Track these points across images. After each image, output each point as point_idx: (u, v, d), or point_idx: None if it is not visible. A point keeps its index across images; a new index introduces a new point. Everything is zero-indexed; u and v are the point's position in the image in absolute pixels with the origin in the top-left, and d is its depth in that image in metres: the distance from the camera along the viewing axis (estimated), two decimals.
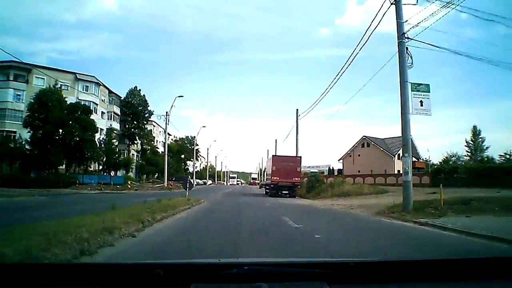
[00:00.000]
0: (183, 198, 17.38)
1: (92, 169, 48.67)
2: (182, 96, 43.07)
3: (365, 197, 23.25)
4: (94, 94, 54.49)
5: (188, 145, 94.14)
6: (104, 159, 47.40)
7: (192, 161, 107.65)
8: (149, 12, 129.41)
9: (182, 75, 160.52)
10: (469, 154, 66.25)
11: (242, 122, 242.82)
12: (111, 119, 60.01)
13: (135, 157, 68.51)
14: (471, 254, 5.39)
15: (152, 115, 64.51)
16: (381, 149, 60.54)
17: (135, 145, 66.60)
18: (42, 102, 39.95)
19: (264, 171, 58.62)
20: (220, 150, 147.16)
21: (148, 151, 67.76)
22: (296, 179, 29.26)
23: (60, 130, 38.98)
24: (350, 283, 1.66)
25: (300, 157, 30.09)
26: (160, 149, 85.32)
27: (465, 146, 64.86)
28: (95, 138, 42.55)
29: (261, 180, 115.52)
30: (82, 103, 53.17)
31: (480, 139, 64.82)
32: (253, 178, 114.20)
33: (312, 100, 45.04)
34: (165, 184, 41.91)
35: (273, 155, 30.92)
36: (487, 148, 62.93)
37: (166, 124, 42.80)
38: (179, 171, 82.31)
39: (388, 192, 24.76)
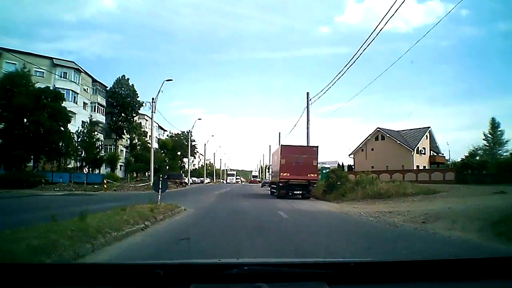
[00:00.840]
0: (150, 206, 10.96)
1: (71, 166, 42.35)
2: (171, 80, 36.53)
3: (413, 200, 16.75)
4: (73, 82, 47.95)
5: (184, 141, 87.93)
6: (83, 155, 40.91)
7: (194, 156, 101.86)
8: (148, 11, 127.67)
9: (182, 74, 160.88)
10: (487, 147, 60.20)
11: (242, 121, 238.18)
12: (95, 110, 53.49)
13: (124, 153, 62.17)
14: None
15: (142, 107, 58.23)
16: (398, 142, 54.04)
17: (123, 140, 60.17)
18: (6, 88, 33.63)
19: (267, 168, 51.93)
20: (219, 147, 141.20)
21: (138, 147, 61.32)
22: (312, 175, 22.86)
23: (25, 120, 32.53)
24: (350, 283, 1.63)
25: (317, 147, 23.57)
26: (153, 144, 79.05)
27: (484, 140, 58.67)
28: (67, 129, 36.09)
29: (262, 178, 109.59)
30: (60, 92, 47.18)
31: (499, 132, 58.87)
32: (253, 176, 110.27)
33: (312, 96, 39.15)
34: (151, 183, 35.43)
35: (282, 145, 24.28)
36: (506, 141, 56.71)
37: (152, 112, 36.32)
38: (174, 169, 75.90)
39: (440, 192, 18.33)
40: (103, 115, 55.45)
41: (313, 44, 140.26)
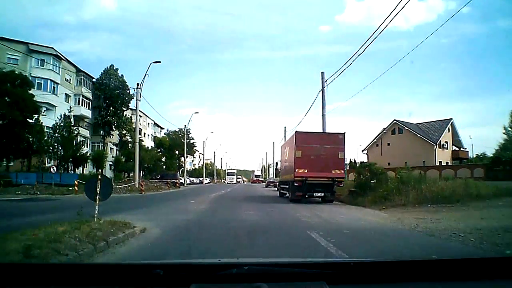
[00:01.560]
0: (77, 224, 5.40)
1: (50, 164, 36.81)
2: (159, 62, 30.75)
3: (498, 206, 11.04)
4: (52, 70, 42.36)
5: (182, 139, 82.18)
6: (61, 153, 35.32)
7: (187, 157, 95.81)
8: (148, 12, 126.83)
9: (183, 74, 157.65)
10: (507, 141, 54.40)
11: (244, 121, 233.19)
12: (79, 103, 47.87)
13: (115, 151, 56.61)
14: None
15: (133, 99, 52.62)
16: (418, 135, 48.28)
17: (112, 137, 54.65)
18: None
19: (275, 165, 45.93)
20: (219, 145, 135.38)
21: (129, 144, 55.86)
22: (337, 171, 17.13)
23: None
24: (350, 283, 1.62)
25: (343, 134, 17.77)
26: (148, 143, 73.35)
27: (503, 133, 52.79)
28: (39, 121, 30.59)
29: (265, 178, 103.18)
30: (37, 81, 41.67)
31: None
32: (256, 176, 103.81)
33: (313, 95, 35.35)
34: (137, 184, 29.84)
35: (297, 132, 18.35)
36: None
37: (137, 100, 30.66)
38: (172, 169, 70.23)
39: None
40: (89, 108, 49.82)
41: (314, 43, 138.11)
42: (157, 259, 4.85)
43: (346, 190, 19.09)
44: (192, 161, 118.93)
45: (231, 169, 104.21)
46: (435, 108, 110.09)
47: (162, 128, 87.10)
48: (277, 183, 28.79)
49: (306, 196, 17.73)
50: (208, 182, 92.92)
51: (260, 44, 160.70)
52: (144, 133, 74.16)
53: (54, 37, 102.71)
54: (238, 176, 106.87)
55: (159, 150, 75.06)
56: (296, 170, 17.38)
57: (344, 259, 2.09)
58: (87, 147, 47.95)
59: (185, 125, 57.61)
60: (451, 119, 51.80)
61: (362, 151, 55.42)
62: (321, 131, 22.68)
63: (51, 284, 1.58)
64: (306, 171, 17.20)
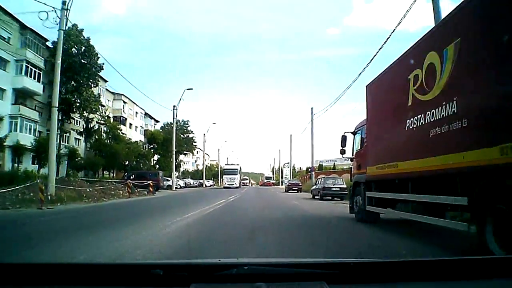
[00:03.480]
0: None
1: None
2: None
3: None
4: None
5: (180, 134, 67.58)
6: None
7: (186, 154, 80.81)
8: (156, 15, 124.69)
9: (192, 77, 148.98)
10: None
11: (252, 123, 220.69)
12: (23, 73, 33.90)
13: (82, 143, 42.65)
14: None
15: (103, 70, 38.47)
16: None
17: (78, 123, 40.80)
18: None
19: (290, 166, 31.01)
20: (225, 141, 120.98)
21: (101, 131, 41.97)
22: None
23: None
24: (350, 283, 1.59)
25: None
26: (136, 136, 59.25)
27: None
28: None
29: (276, 180, 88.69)
30: None
31: None
32: (267, 178, 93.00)
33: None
34: (52, 187, 15.39)
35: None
36: None
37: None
38: (167, 169, 55.80)
39: None
40: (39, 82, 35.80)
41: (322, 46, 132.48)
42: None
43: None
44: (195, 161, 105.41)
45: (231, 166, 65.27)
46: None
47: (157, 121, 73.29)
48: (356, 183, 11.72)
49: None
50: (212, 185, 78.94)
51: (269, 46, 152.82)
52: (131, 124, 60.31)
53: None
54: (245, 177, 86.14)
55: (151, 146, 61.25)
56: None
57: (344, 259, 1.67)
58: (32, 133, 33.97)
59: (174, 106, 42.92)
60: None
61: None
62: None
63: (50, 284, 1.56)
64: None
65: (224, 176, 61.94)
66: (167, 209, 13.99)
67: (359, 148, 10.30)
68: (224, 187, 55.38)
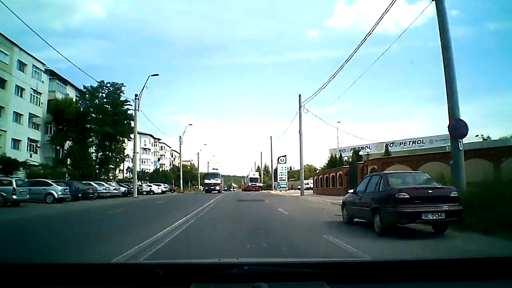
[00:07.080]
0: None
1: None
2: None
3: None
4: None
5: (109, 106, 43.27)
6: None
7: (131, 140, 43.90)
8: (137, 18, 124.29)
9: (172, 80, 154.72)
10: None
11: (234, 127, 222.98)
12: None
13: None
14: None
15: None
16: None
17: None
18: None
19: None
20: (204, 144, 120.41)
21: None
22: None
23: None
24: (350, 283, 1.60)
25: None
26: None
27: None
28: None
29: (264, 182, 73.47)
30: None
31: None
32: (252, 179, 68.98)
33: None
34: None
35: None
36: None
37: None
38: (86, 167, 38.22)
39: None
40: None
41: (303, 48, 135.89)
42: None
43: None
44: (158, 159, 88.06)
45: (213, 171, 64.22)
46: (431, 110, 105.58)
47: (78, 89, 44.68)
48: None
49: None
50: (171, 191, 57.49)
51: (250, 49, 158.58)
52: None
53: (41, 44, 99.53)
54: (234, 186, 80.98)
55: (59, 126, 39.15)
56: None
57: (344, 259, 1.96)
58: None
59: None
60: None
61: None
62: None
63: (51, 284, 1.57)
64: None
65: (206, 180, 56.65)
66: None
67: None
68: (206, 191, 52.09)
